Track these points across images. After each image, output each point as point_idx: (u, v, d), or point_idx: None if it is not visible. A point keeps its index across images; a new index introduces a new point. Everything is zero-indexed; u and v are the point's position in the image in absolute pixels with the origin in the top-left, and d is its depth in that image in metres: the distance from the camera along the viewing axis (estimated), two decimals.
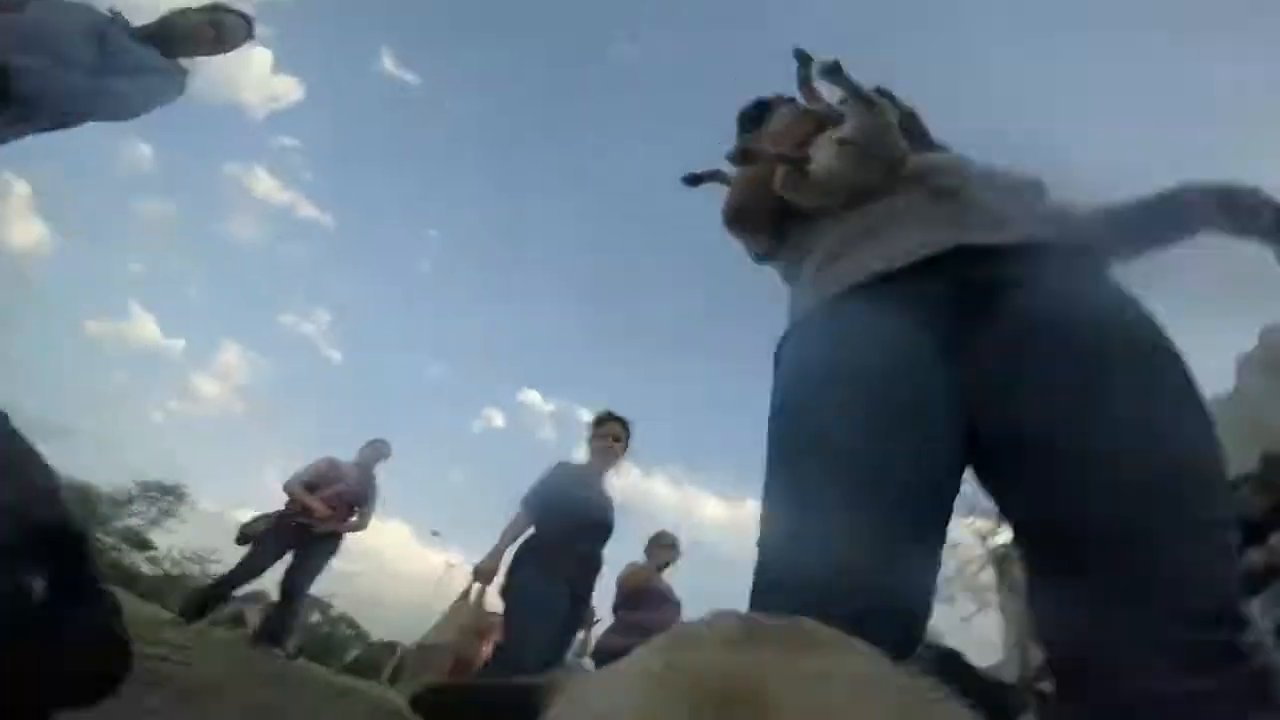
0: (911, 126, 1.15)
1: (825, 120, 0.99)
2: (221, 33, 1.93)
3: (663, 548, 3.71)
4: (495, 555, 2.84)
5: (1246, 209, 0.89)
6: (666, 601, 3.54)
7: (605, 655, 3.58)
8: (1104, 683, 0.57)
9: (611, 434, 3.15)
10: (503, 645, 2.64)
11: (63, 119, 1.65)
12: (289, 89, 78.00)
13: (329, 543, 4.07)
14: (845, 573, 0.60)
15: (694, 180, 1.11)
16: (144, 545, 23.79)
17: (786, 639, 0.31)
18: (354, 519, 4.19)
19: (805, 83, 1.02)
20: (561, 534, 2.75)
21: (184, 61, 1.91)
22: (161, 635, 2.94)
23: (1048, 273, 0.73)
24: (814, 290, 0.87)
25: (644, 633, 2.96)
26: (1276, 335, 10.50)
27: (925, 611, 0.65)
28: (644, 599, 3.52)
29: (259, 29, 2.04)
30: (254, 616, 6.53)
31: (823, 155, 0.93)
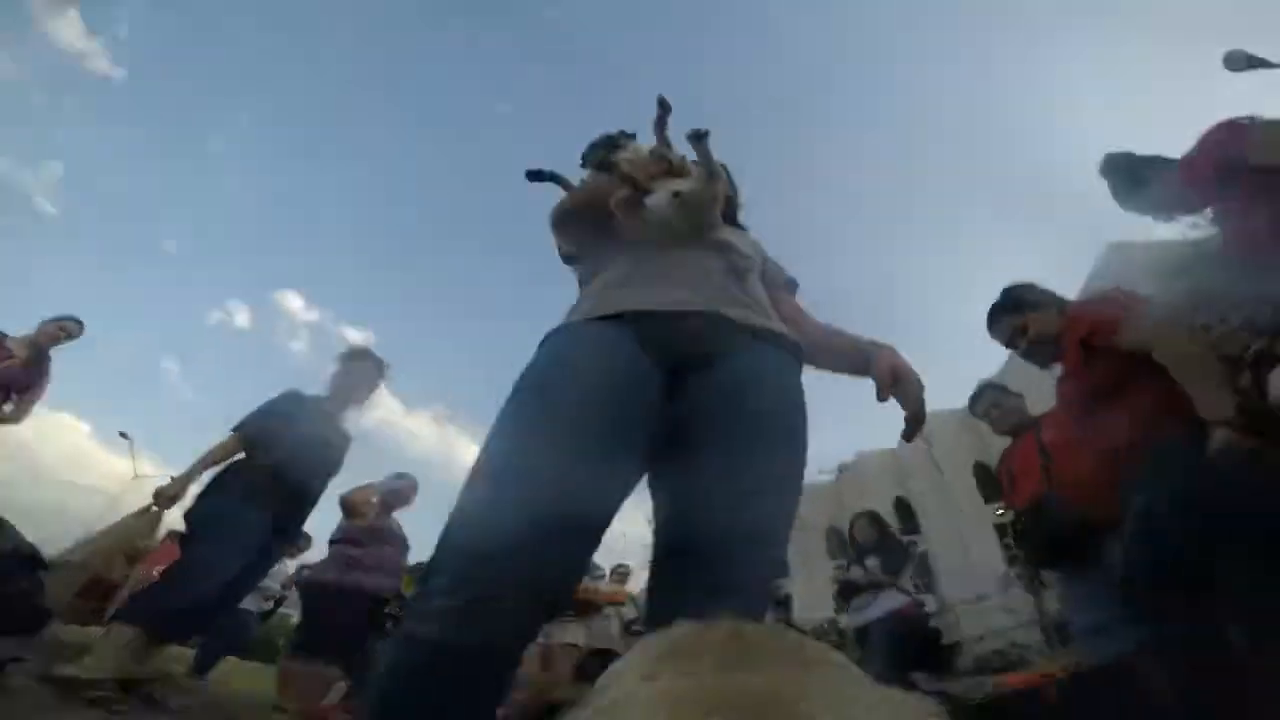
0: (730, 206, 1.34)
1: (674, 169, 1.14)
2: None
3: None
4: (184, 480, 2.48)
5: None
6: (387, 542, 3.51)
7: (312, 588, 3.46)
8: None
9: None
10: (173, 570, 2.36)
11: None
12: None
13: None
14: (526, 538, 0.74)
15: (537, 176, 1.19)
16: None
17: (787, 653, 0.34)
18: (8, 407, 3.39)
19: (660, 126, 1.14)
20: (278, 469, 2.48)
21: None
22: None
23: (766, 358, 0.93)
24: (594, 302, 1.00)
25: (364, 569, 2.88)
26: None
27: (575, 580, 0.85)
28: (368, 536, 3.45)
29: None
30: None
31: (659, 197, 1.08)
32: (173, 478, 2.54)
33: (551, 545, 0.76)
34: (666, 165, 1.13)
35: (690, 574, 0.80)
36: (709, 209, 1.09)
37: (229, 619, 4.28)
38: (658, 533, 0.88)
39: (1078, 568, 2.10)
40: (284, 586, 4.95)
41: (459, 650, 0.72)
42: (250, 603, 4.51)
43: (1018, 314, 1.84)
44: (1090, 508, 1.75)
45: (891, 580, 3.48)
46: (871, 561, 3.58)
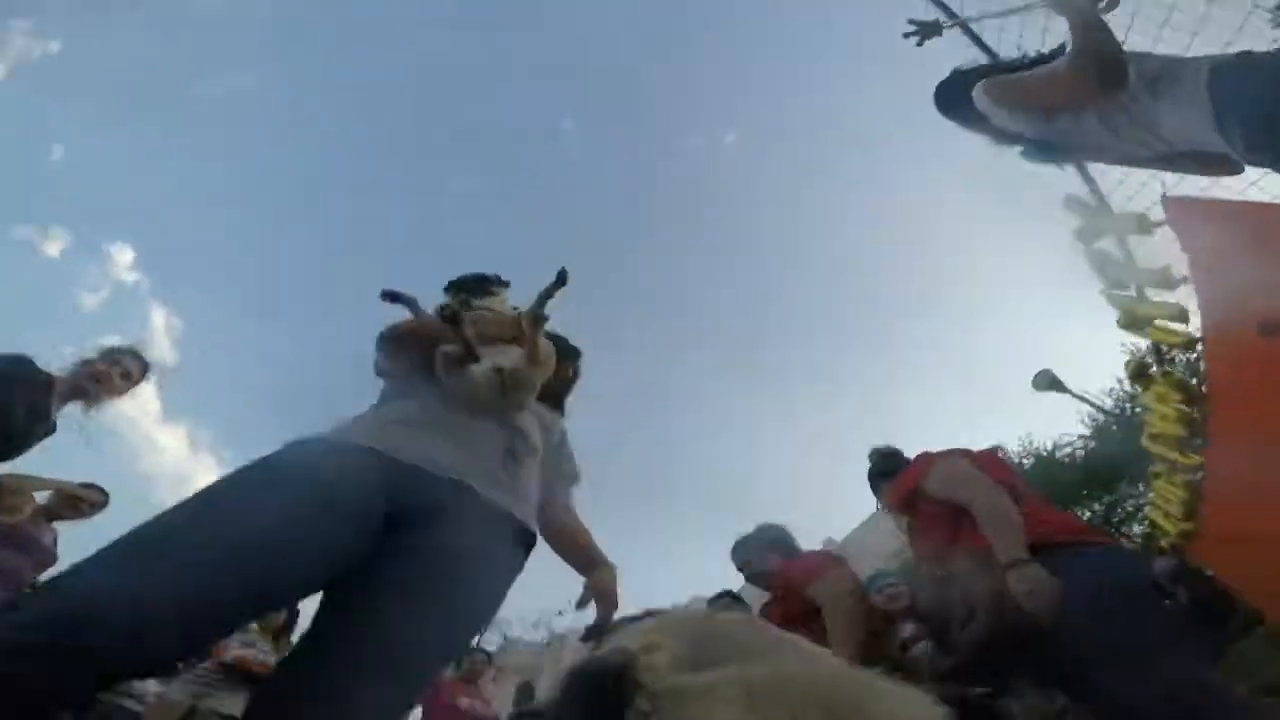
0: (560, 386, 1.43)
1: (521, 337, 1.19)
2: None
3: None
4: None
5: None
6: (23, 550, 2.85)
7: None
8: None
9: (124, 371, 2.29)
10: None
11: None
12: None
13: None
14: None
15: (392, 298, 1.21)
16: None
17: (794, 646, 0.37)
18: None
19: (545, 296, 1.18)
20: None
21: None
22: None
23: (487, 537, 0.99)
24: (363, 429, 1.05)
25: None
26: None
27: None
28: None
29: None
30: None
31: (483, 366, 1.11)
32: None
33: (169, 611, 0.72)
34: (518, 328, 1.20)
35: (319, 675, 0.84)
36: (523, 386, 1.15)
37: None
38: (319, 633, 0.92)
39: None
40: None
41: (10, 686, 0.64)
42: None
43: (750, 553, 2.24)
44: None
45: None
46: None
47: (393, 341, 1.21)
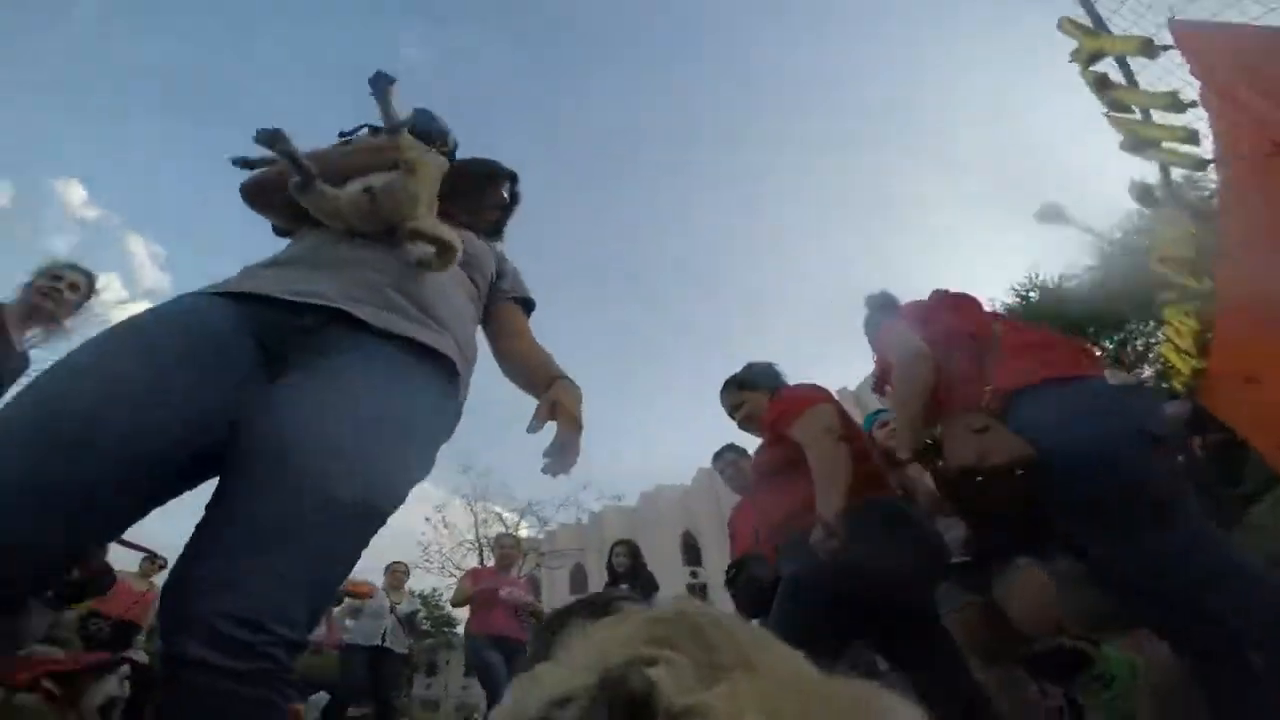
0: (486, 207, 1.34)
1: (395, 162, 1.05)
2: None
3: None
4: None
5: None
6: None
7: None
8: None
9: (70, 283, 2.30)
10: None
11: None
12: None
13: None
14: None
15: (245, 163, 1.08)
16: None
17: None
18: None
19: (381, 99, 1.02)
20: None
21: None
22: None
23: (378, 360, 0.89)
24: (229, 279, 0.95)
25: None
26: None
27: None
28: None
29: None
30: None
31: (349, 190, 1.02)
32: None
33: (50, 488, 0.68)
34: (388, 157, 1.07)
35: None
36: (398, 204, 1.03)
37: None
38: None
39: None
40: None
41: None
42: None
43: (738, 391, 2.10)
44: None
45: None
46: (624, 589, 3.78)
47: (250, 199, 1.10)
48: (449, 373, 0.98)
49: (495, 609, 4.07)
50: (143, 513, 0.78)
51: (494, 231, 1.40)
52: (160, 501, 0.80)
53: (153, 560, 4.09)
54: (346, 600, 4.54)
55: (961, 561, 2.00)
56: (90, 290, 2.39)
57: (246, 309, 0.88)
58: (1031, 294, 11.74)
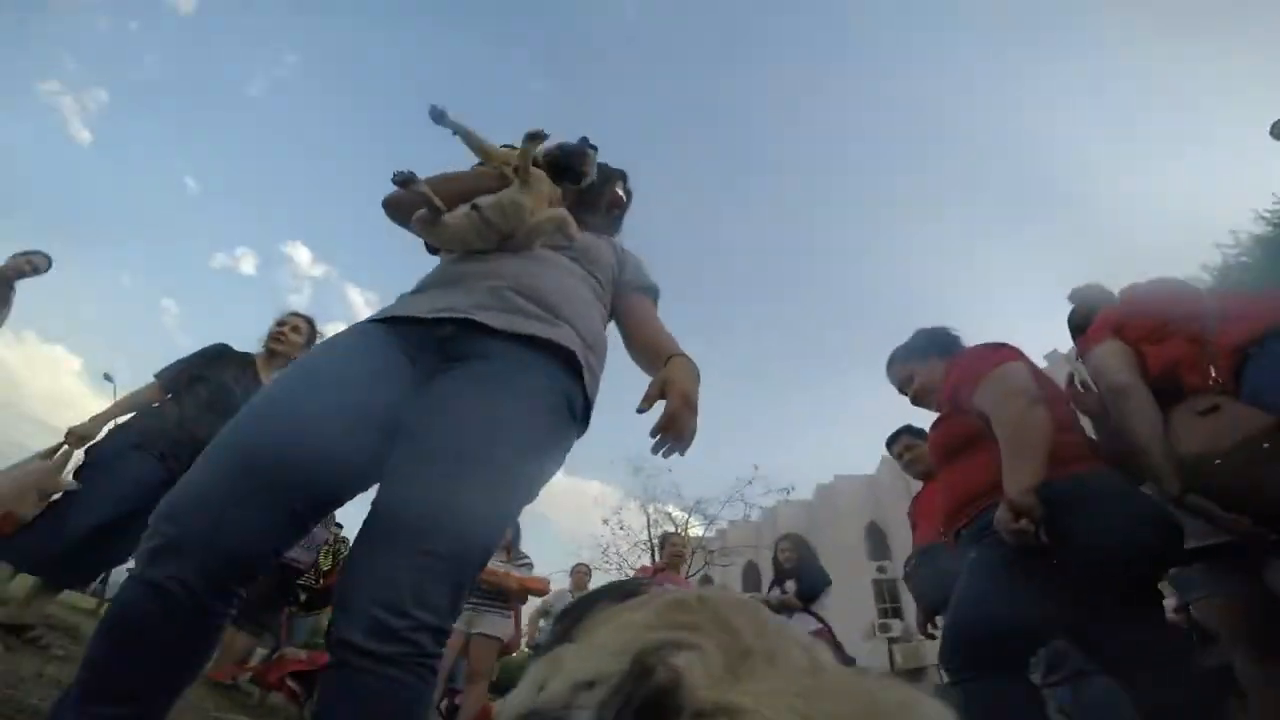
0: (598, 206, 1.38)
1: (501, 180, 1.14)
2: None
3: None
4: (99, 420, 2.49)
5: None
6: None
7: None
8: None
9: (292, 326, 2.81)
10: (46, 509, 2.31)
11: None
12: None
13: None
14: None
15: (403, 184, 1.12)
16: None
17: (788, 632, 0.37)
18: None
19: (466, 137, 1.17)
20: (183, 419, 2.45)
21: None
22: None
23: (509, 360, 0.95)
24: (403, 300, 1.08)
25: None
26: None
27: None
28: None
29: None
30: None
31: (459, 213, 1.11)
32: (92, 417, 2.53)
33: (235, 502, 0.81)
34: (497, 178, 1.16)
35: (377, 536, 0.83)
36: (507, 215, 1.10)
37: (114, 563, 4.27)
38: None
39: None
40: None
41: (148, 588, 0.78)
42: None
43: (906, 363, 1.83)
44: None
45: (803, 605, 3.47)
46: (790, 585, 3.58)
47: (390, 213, 1.19)
48: (570, 364, 1.01)
49: None
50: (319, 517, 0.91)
51: (612, 227, 1.42)
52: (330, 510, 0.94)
53: None
54: (540, 602, 4.80)
55: (1215, 544, 1.57)
56: (312, 330, 2.90)
57: (398, 330, 0.99)
58: None
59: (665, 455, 0.98)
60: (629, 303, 1.27)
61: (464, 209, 1.10)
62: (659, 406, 0.99)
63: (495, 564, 3.78)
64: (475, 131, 1.19)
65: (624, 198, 1.45)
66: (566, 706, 0.34)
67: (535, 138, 1.11)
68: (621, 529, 20.19)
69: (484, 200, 1.09)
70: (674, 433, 0.97)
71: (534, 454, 0.93)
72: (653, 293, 1.32)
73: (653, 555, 18.13)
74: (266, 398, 0.91)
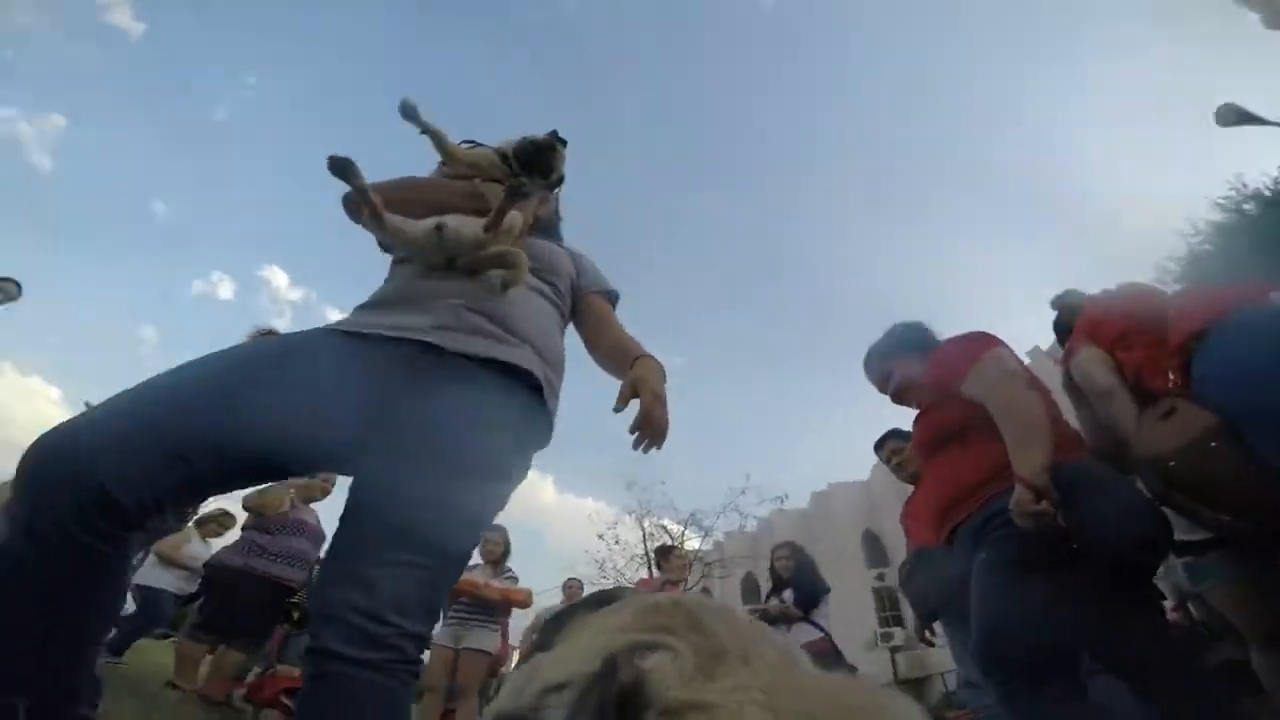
0: (544, 219, 1.35)
1: (466, 199, 1.15)
2: None
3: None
4: None
5: None
6: (299, 533, 3.45)
7: (217, 571, 3.41)
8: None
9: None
10: None
11: None
12: None
13: None
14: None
15: (342, 175, 1.09)
16: None
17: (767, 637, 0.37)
18: None
19: (434, 136, 1.20)
20: None
21: None
22: None
23: (468, 383, 0.97)
24: (363, 313, 1.08)
25: (270, 557, 2.85)
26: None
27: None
28: (278, 525, 3.40)
29: None
30: None
31: (422, 224, 1.10)
32: None
33: (131, 456, 0.77)
34: (477, 200, 1.16)
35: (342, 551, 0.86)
36: (463, 243, 1.10)
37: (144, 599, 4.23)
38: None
39: (958, 618, 2.07)
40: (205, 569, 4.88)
41: (16, 533, 0.75)
42: (170, 583, 4.45)
43: (884, 360, 1.81)
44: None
45: (802, 615, 3.45)
46: (788, 594, 3.56)
47: (349, 213, 1.16)
48: (531, 384, 1.04)
49: None
50: (227, 488, 0.91)
51: (551, 231, 1.40)
52: (244, 483, 0.92)
53: None
54: (533, 616, 4.77)
55: (1204, 539, 1.58)
56: None
57: (359, 343, 0.99)
58: (1246, 205, 9.58)
59: (645, 450, 1.03)
60: (587, 305, 1.29)
61: (428, 224, 1.09)
62: (634, 406, 1.03)
63: (476, 576, 3.79)
64: (443, 131, 1.20)
65: (556, 209, 1.43)
66: (537, 709, 0.34)
67: (516, 193, 1.10)
68: (617, 543, 20.12)
69: (450, 223, 1.09)
70: (650, 429, 1.01)
71: (499, 467, 0.97)
72: (611, 296, 1.34)
73: (649, 568, 18.07)
74: (206, 365, 0.90)
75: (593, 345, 1.27)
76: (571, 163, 1.28)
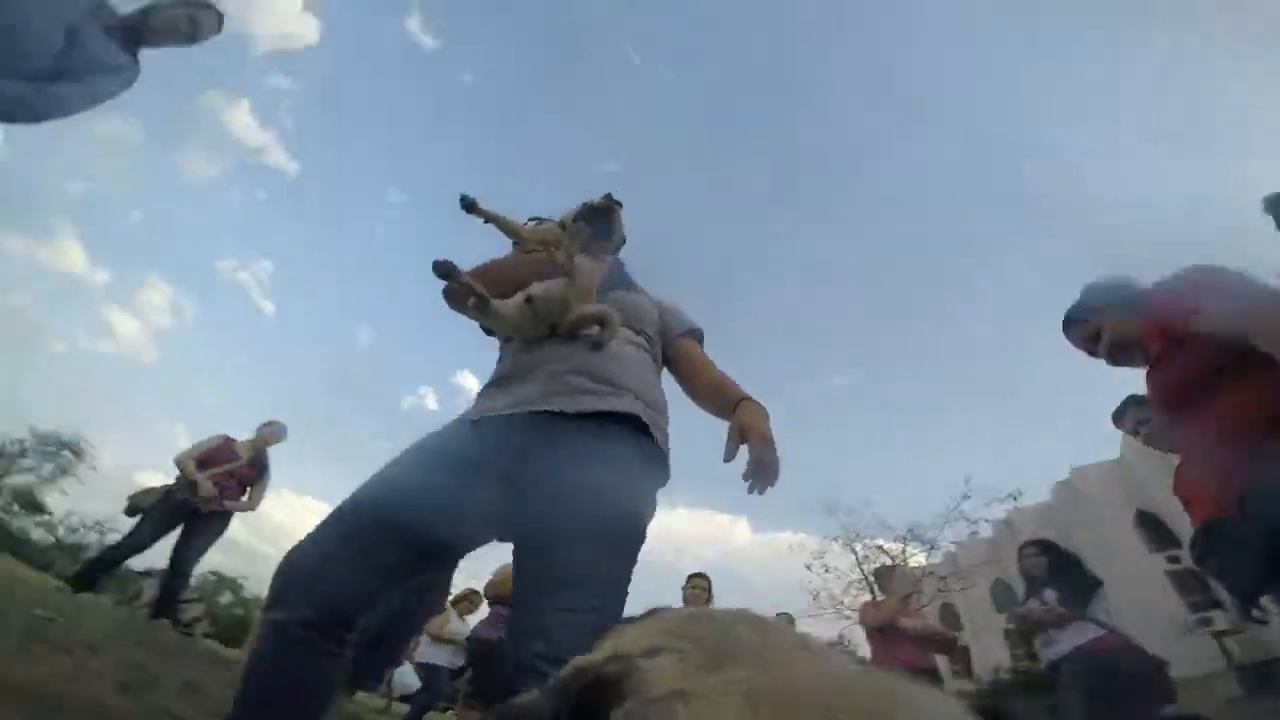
0: (617, 271, 1.40)
1: (543, 269, 1.23)
2: (196, 28, 1.99)
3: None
4: None
5: None
6: None
7: (474, 644, 3.81)
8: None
9: None
10: None
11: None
12: (306, 30, 72.50)
13: (216, 521, 4.10)
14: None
15: (444, 275, 1.24)
16: (35, 507, 21.26)
17: (792, 642, 0.36)
18: (244, 499, 4.21)
19: (498, 223, 1.29)
20: None
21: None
22: (48, 599, 3.01)
23: (585, 439, 1.05)
24: (480, 400, 1.20)
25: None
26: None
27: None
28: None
29: None
30: (150, 591, 6.47)
31: (513, 302, 1.20)
32: None
33: (332, 556, 0.97)
34: (536, 266, 1.24)
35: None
36: (556, 306, 1.19)
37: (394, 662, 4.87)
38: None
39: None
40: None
41: (270, 627, 0.95)
42: (444, 659, 5.04)
43: (1087, 320, 1.59)
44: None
45: (1073, 614, 2.96)
46: (1049, 594, 3.09)
47: (449, 303, 1.28)
48: (638, 428, 1.10)
49: (897, 640, 3.73)
50: (416, 576, 1.07)
51: (628, 285, 1.44)
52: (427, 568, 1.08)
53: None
54: None
55: None
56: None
57: (488, 427, 1.12)
58: None
59: (760, 492, 1.06)
60: (676, 350, 1.34)
61: (518, 299, 1.20)
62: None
63: None
64: (505, 217, 1.30)
65: (615, 255, 1.50)
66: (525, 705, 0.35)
67: (578, 235, 1.22)
68: (827, 571, 19.11)
69: (537, 291, 1.20)
70: (763, 472, 1.05)
71: (629, 501, 1.02)
72: (697, 334, 1.38)
73: (871, 591, 16.79)
74: (378, 475, 1.08)
75: (689, 387, 1.32)
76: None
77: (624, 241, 1.49)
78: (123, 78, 1.92)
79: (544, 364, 1.17)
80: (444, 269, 1.18)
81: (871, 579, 16.01)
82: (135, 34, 1.92)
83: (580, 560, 0.92)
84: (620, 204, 1.39)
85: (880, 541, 18.50)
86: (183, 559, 4.04)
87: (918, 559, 17.60)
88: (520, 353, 1.23)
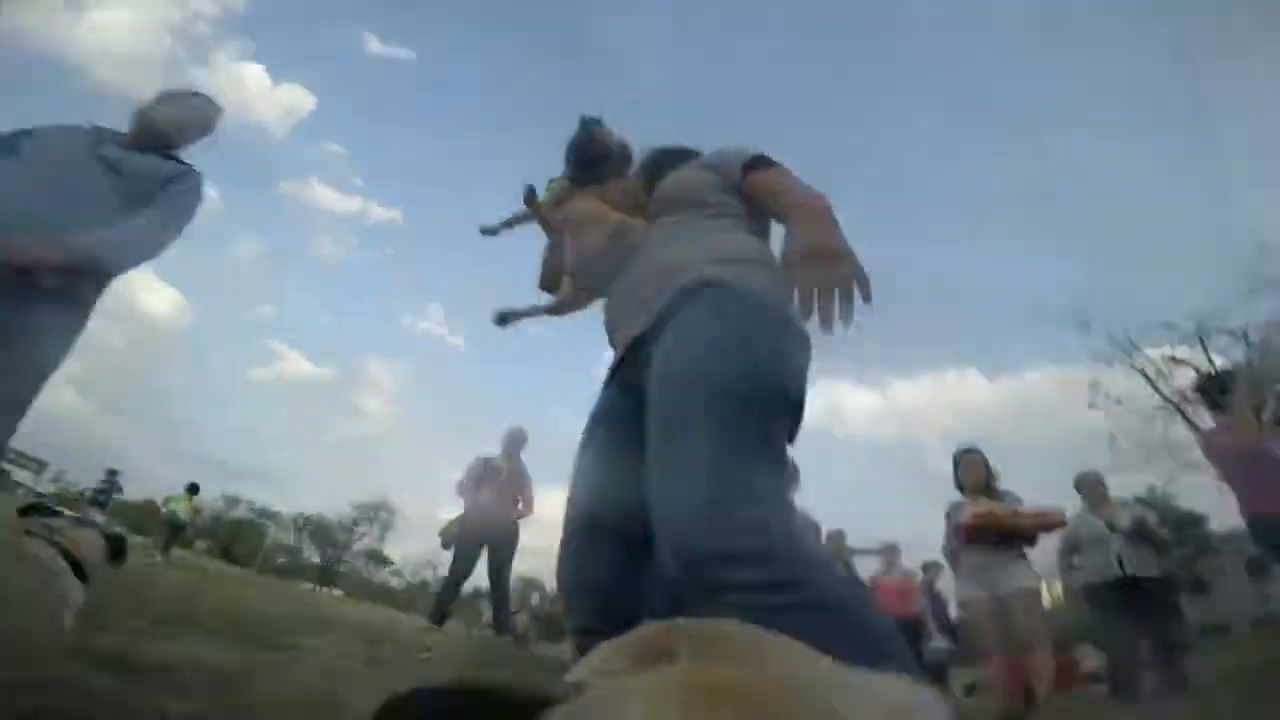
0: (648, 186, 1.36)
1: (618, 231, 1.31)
2: (198, 113, 1.84)
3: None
4: None
5: None
6: None
7: None
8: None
9: None
10: None
11: (110, 271, 1.56)
12: (297, 98, 78.81)
13: (508, 533, 4.47)
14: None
15: (504, 321, 1.52)
16: (383, 560, 28.36)
17: (757, 648, 0.36)
18: (520, 506, 4.54)
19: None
20: None
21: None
22: (422, 639, 3.54)
23: (675, 329, 1.01)
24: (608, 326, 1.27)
25: None
26: None
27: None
28: None
29: (233, 43, 2.02)
30: (487, 612, 7.35)
31: (564, 288, 1.41)
32: None
33: (582, 558, 1.08)
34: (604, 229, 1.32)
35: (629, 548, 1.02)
36: (599, 269, 1.29)
37: None
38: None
39: None
40: None
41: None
42: None
43: None
44: None
45: None
46: None
47: (544, 287, 1.49)
48: (710, 284, 1.04)
49: (1273, 465, 2.90)
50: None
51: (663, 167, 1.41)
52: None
53: None
54: (1060, 539, 3.88)
55: None
56: None
57: (613, 382, 1.19)
58: None
59: (845, 322, 0.90)
60: (750, 196, 1.22)
61: (566, 281, 1.41)
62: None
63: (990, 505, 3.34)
64: (523, 215, 1.57)
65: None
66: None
67: (529, 201, 1.48)
68: (1120, 404, 16.19)
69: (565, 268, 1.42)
70: (824, 303, 0.90)
71: (715, 351, 0.95)
72: (755, 164, 1.20)
73: (1183, 416, 13.78)
74: (575, 471, 1.16)
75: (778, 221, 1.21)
76: None
77: (625, 147, 1.47)
78: (189, 181, 1.72)
79: (612, 298, 1.24)
80: (503, 318, 1.49)
81: (1193, 397, 12.95)
82: (155, 140, 1.73)
83: (719, 419, 0.89)
84: (595, 122, 1.43)
85: (1168, 349, 15.10)
86: (494, 575, 4.47)
87: (1219, 360, 14.05)
88: (604, 314, 1.28)
